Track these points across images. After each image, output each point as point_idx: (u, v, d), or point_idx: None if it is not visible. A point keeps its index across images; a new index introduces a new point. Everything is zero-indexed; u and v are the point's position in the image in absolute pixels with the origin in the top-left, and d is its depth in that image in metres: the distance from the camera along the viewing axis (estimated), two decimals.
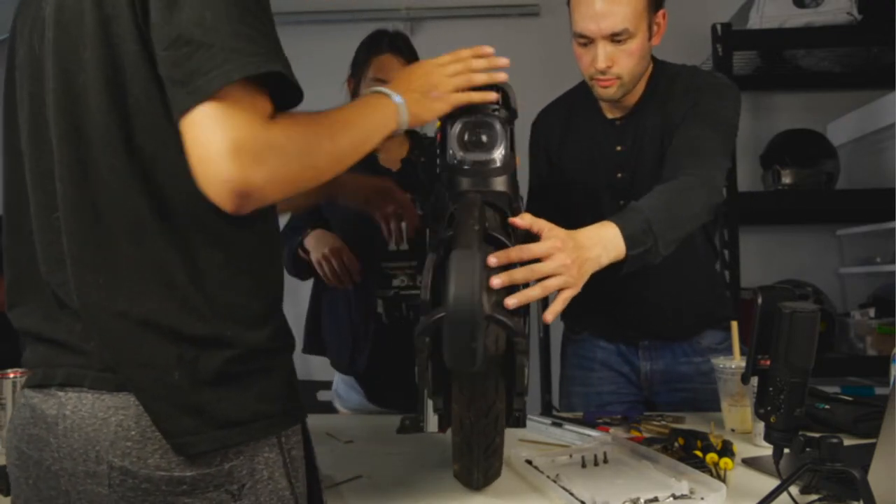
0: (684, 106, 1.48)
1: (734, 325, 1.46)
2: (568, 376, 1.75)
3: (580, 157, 1.61)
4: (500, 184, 1.09)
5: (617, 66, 1.44)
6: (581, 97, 1.62)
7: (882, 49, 2.43)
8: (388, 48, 1.72)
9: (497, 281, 0.98)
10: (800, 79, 2.78)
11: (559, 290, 1.08)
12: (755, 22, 2.41)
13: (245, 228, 0.82)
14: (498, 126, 1.10)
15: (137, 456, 0.78)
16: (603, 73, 1.44)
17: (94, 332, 0.79)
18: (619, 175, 1.54)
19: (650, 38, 1.46)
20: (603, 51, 1.42)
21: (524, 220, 1.07)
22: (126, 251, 0.78)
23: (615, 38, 1.41)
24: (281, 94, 0.79)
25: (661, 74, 1.56)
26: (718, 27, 2.35)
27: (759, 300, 1.07)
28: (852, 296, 2.75)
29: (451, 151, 1.09)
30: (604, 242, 1.15)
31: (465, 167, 1.08)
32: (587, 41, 1.44)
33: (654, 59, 1.58)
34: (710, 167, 1.37)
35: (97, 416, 0.79)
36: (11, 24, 0.91)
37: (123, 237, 0.78)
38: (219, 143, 0.72)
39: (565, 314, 1.65)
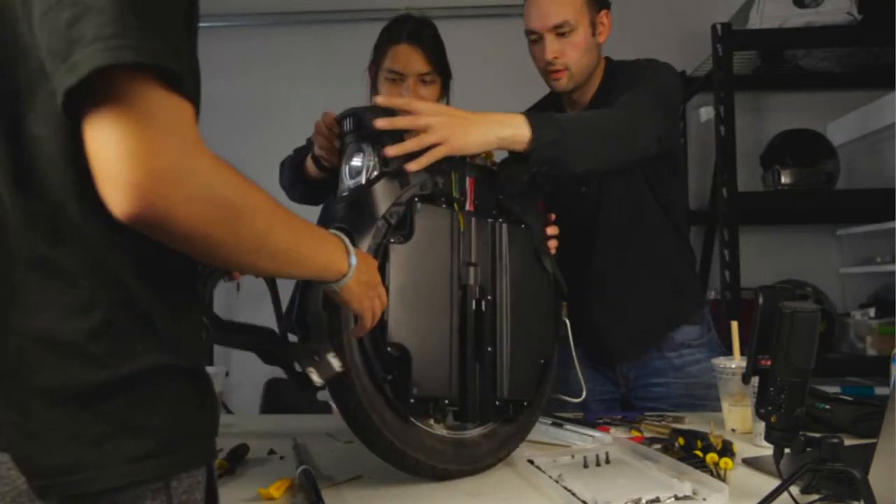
0: (623, 83, 1.56)
1: (734, 324, 1.47)
2: None
3: None
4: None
5: (563, 57, 1.57)
6: (551, 102, 1.73)
7: (882, 49, 2.43)
8: (406, 38, 1.64)
9: (381, 123, 1.13)
10: (800, 79, 2.78)
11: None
12: (755, 22, 2.41)
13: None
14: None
15: None
16: (552, 63, 1.57)
17: None
18: None
19: (594, 33, 1.59)
20: (549, 44, 1.56)
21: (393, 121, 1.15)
22: (17, 254, 0.67)
23: (559, 30, 1.55)
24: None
25: (616, 72, 1.65)
26: (718, 27, 2.35)
27: (760, 300, 1.07)
28: (852, 296, 2.75)
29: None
30: (503, 120, 1.25)
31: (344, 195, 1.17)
32: (537, 37, 1.58)
33: (608, 60, 1.68)
34: (644, 101, 1.45)
35: None
36: None
37: (14, 239, 0.67)
38: (139, 138, 0.60)
39: None
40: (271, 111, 2.84)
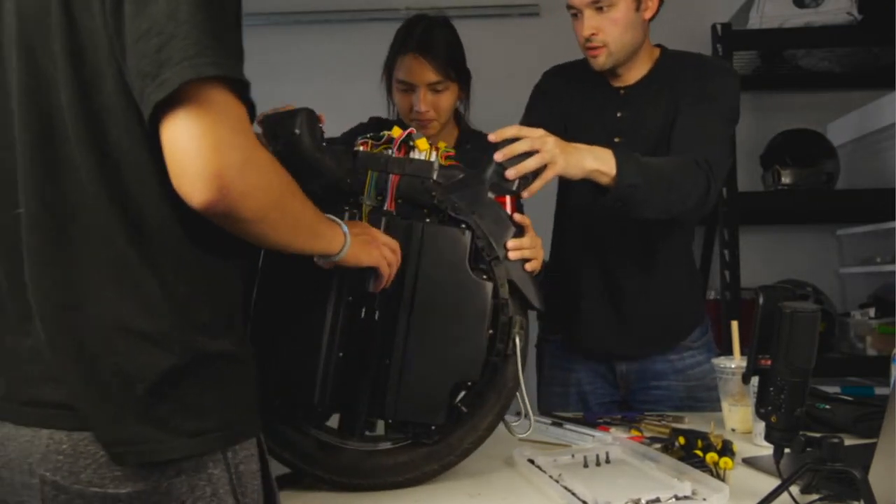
0: (694, 88, 1.54)
1: (734, 324, 1.47)
2: (546, 377, 1.77)
3: (581, 117, 1.64)
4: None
5: (602, 34, 1.51)
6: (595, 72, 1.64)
7: (882, 49, 2.42)
8: (414, 47, 1.59)
9: (499, 156, 1.19)
10: (800, 79, 2.78)
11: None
12: (755, 22, 2.41)
13: (220, 238, 0.79)
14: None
15: (69, 471, 0.74)
16: (589, 40, 1.52)
17: (51, 337, 0.75)
18: (617, 140, 1.57)
19: (638, 9, 1.52)
20: (587, 20, 1.50)
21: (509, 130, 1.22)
22: (95, 250, 0.75)
23: (596, 5, 1.49)
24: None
25: (669, 58, 1.61)
26: (718, 27, 2.35)
27: (760, 300, 1.07)
28: (852, 296, 2.75)
29: None
30: (595, 152, 1.30)
31: None
32: (576, 12, 1.53)
33: (662, 47, 1.63)
34: (714, 154, 1.44)
35: (31, 426, 0.76)
36: None
37: (93, 240, 0.75)
38: (213, 136, 0.71)
39: (541, 316, 1.72)
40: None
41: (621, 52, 1.53)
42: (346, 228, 0.97)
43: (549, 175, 1.23)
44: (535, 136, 1.22)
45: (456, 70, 1.63)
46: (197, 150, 0.70)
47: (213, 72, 0.70)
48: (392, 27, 1.77)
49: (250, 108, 0.76)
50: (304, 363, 1.11)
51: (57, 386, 0.75)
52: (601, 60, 1.54)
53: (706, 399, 1.64)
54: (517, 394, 1.19)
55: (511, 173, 1.19)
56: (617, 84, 1.62)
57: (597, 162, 1.28)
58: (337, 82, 2.67)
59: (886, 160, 2.48)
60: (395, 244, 1.08)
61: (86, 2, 0.74)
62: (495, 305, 1.15)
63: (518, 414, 1.20)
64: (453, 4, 2.92)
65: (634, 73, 1.60)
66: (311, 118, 1.14)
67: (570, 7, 1.53)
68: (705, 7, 2.73)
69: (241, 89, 0.74)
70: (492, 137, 1.22)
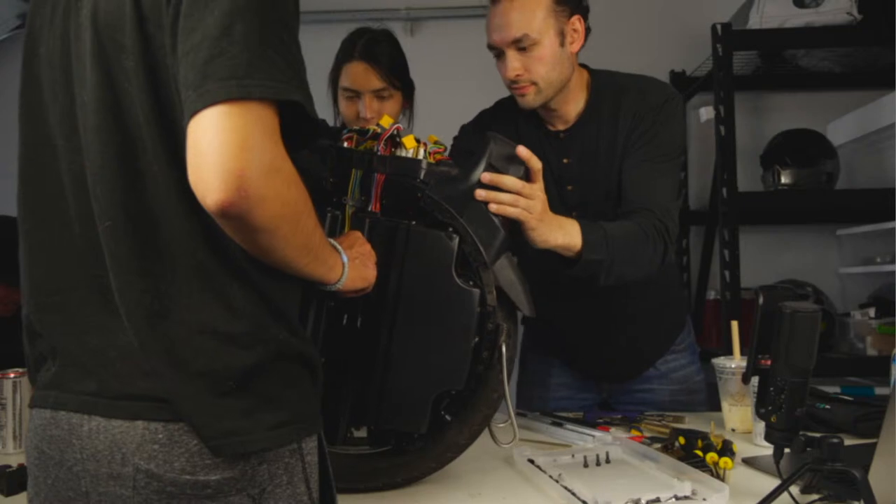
0: (635, 126, 1.48)
1: (734, 324, 1.47)
2: (528, 373, 1.76)
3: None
4: None
5: (528, 73, 1.43)
6: (530, 113, 1.55)
7: (882, 49, 2.42)
8: (359, 55, 1.62)
9: (483, 193, 1.15)
10: (800, 79, 2.78)
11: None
12: (755, 22, 2.40)
13: None
14: None
15: (164, 459, 0.78)
16: (515, 81, 1.44)
17: (142, 341, 0.78)
18: (570, 188, 1.53)
19: (562, 43, 1.44)
20: (511, 60, 1.42)
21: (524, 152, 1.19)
22: (179, 259, 0.78)
23: (518, 45, 1.41)
24: (297, 126, 0.78)
25: (604, 86, 1.53)
26: (718, 27, 2.35)
27: (760, 300, 1.07)
28: (852, 296, 2.75)
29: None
30: (564, 226, 1.27)
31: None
32: (497, 52, 1.45)
33: (590, 69, 1.56)
34: (669, 212, 1.42)
35: (124, 419, 0.79)
36: (28, 21, 0.89)
37: (175, 250, 0.78)
38: (240, 138, 0.70)
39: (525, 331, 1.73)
40: None
41: (550, 89, 1.46)
42: (345, 258, 0.96)
43: (513, 215, 1.18)
44: (531, 196, 1.18)
45: (399, 79, 1.66)
46: (221, 146, 0.70)
47: (260, 94, 0.71)
48: (392, 27, 1.78)
49: (312, 124, 0.79)
50: None
51: (151, 380, 0.78)
52: (530, 99, 1.46)
53: (688, 402, 1.64)
54: (504, 401, 1.17)
55: (485, 177, 1.16)
56: (555, 127, 1.55)
57: (565, 237, 1.26)
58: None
59: (886, 160, 2.48)
60: (367, 252, 1.06)
61: (158, 18, 0.76)
62: (482, 313, 1.11)
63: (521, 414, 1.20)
64: (453, 4, 2.93)
65: (571, 109, 1.52)
66: None
67: (491, 48, 1.46)
68: (705, 7, 2.73)
69: (298, 108, 0.76)
70: (486, 179, 1.16)
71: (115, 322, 0.80)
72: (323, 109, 1.70)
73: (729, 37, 2.35)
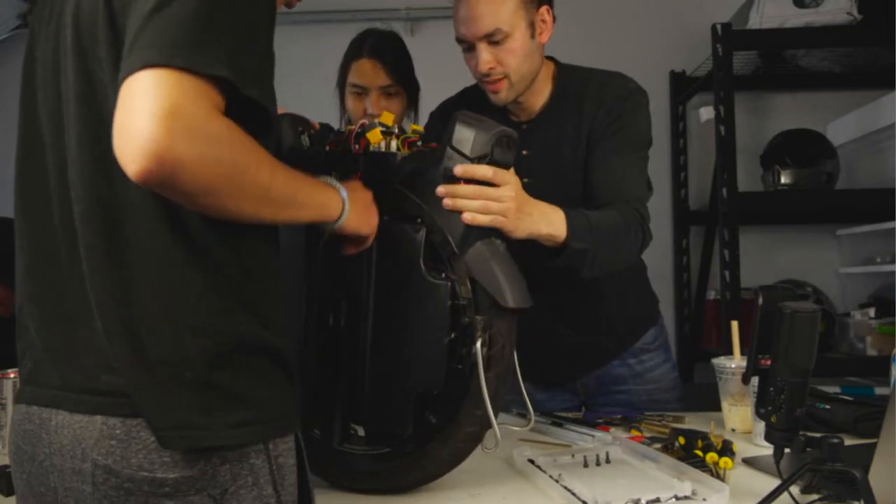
0: (600, 118, 1.46)
1: (734, 324, 1.47)
2: None
3: None
4: None
5: (501, 67, 1.41)
6: (487, 97, 1.51)
7: (882, 49, 2.42)
8: (367, 52, 1.67)
9: (442, 190, 1.08)
10: (800, 79, 2.78)
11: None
12: (755, 22, 2.41)
13: (254, 238, 0.83)
14: None
15: (121, 455, 0.77)
16: (488, 75, 1.42)
17: (107, 327, 0.78)
18: (525, 180, 1.44)
19: (533, 35, 1.42)
20: (482, 53, 1.40)
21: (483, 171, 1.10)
22: (144, 246, 0.78)
23: (491, 39, 1.39)
24: (258, 124, 0.78)
25: (569, 79, 1.52)
26: (718, 27, 2.35)
27: (760, 300, 1.07)
28: (852, 296, 2.75)
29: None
30: (548, 215, 1.23)
31: None
32: (467, 46, 1.43)
33: (556, 62, 1.55)
34: (643, 200, 1.42)
35: (85, 413, 0.79)
36: (29, 24, 0.92)
37: (141, 236, 0.78)
38: (153, 104, 0.68)
39: None
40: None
41: (522, 83, 1.44)
42: (344, 194, 0.95)
43: (486, 223, 1.10)
44: (505, 183, 1.11)
45: (405, 79, 1.70)
46: (140, 112, 0.68)
47: (182, 64, 0.69)
48: (392, 27, 1.78)
49: (263, 111, 0.77)
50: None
51: (113, 375, 0.78)
52: (503, 95, 1.44)
53: (665, 400, 1.64)
54: (510, 397, 1.15)
55: (458, 170, 1.08)
56: (518, 118, 1.53)
57: (549, 227, 1.22)
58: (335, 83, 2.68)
59: (886, 160, 2.49)
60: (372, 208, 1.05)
61: (126, 10, 0.76)
62: (454, 306, 1.06)
63: (521, 415, 1.16)
64: (453, 4, 2.93)
65: (536, 101, 1.51)
66: (293, 124, 1.14)
67: (461, 41, 1.43)
68: (705, 7, 2.74)
69: (242, 87, 0.74)
70: (458, 172, 1.08)
71: (86, 312, 0.80)
72: (325, 107, 1.72)
73: (729, 37, 2.35)
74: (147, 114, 0.68)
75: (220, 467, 0.79)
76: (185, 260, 0.78)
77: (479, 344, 1.05)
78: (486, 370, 1.05)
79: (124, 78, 0.70)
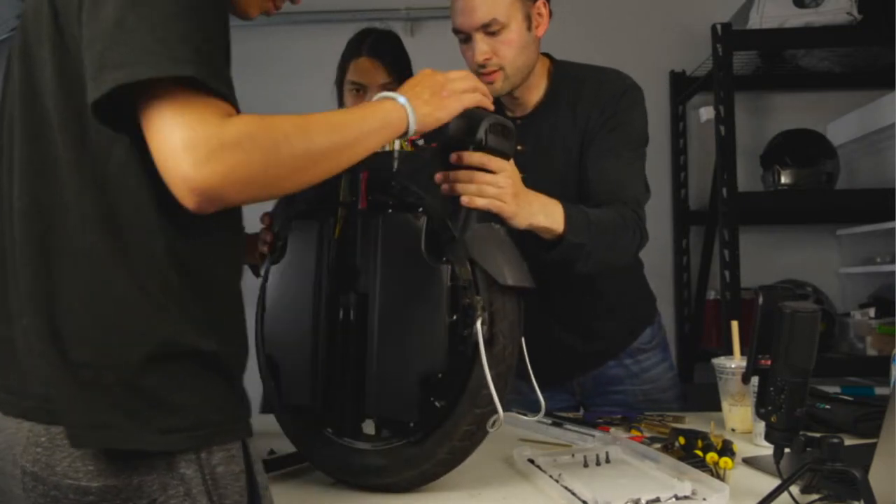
0: (597, 115, 1.46)
1: (734, 324, 1.46)
2: None
3: None
4: None
5: (496, 58, 1.41)
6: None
7: (882, 49, 2.42)
8: (367, 51, 1.68)
9: (439, 176, 1.10)
10: (800, 79, 2.78)
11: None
12: (755, 22, 2.41)
13: (199, 237, 0.80)
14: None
15: (46, 462, 0.76)
16: (483, 66, 1.41)
17: (34, 325, 0.77)
18: (522, 175, 1.47)
19: (529, 28, 1.43)
20: (479, 44, 1.40)
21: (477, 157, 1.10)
22: (73, 243, 0.77)
23: (487, 29, 1.39)
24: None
25: (564, 75, 1.52)
26: (718, 27, 2.35)
27: (760, 300, 1.07)
28: (852, 296, 2.75)
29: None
30: (547, 206, 1.23)
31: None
32: (464, 37, 1.43)
33: (552, 58, 1.55)
34: (641, 201, 1.42)
35: (15, 417, 0.80)
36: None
37: (71, 232, 0.77)
38: (172, 141, 0.70)
39: None
40: (269, 111, 2.84)
41: (517, 75, 1.44)
42: (402, 99, 0.94)
43: (483, 207, 1.11)
44: (501, 169, 1.12)
45: (404, 77, 1.66)
46: (163, 153, 0.71)
47: (149, 74, 0.69)
48: (392, 27, 1.78)
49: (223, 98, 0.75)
50: (302, 369, 1.16)
51: (37, 377, 0.78)
52: (498, 86, 1.43)
53: (663, 400, 1.64)
54: (511, 397, 1.17)
55: (454, 157, 1.10)
56: (513, 113, 1.53)
57: (547, 219, 1.22)
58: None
59: (886, 160, 2.49)
60: (461, 76, 1.05)
61: (69, 11, 0.76)
62: (454, 288, 1.07)
63: (522, 415, 1.17)
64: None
65: (532, 96, 1.51)
66: None
67: (457, 31, 1.43)
68: (705, 7, 2.73)
69: (214, 86, 0.73)
70: (452, 158, 1.11)
71: (19, 310, 0.80)
72: (325, 107, 1.70)
73: (729, 37, 2.35)
74: (170, 154, 0.70)
75: (146, 477, 0.76)
76: (114, 261, 0.76)
77: (479, 323, 1.06)
78: (487, 348, 1.06)
79: (96, 99, 0.70)
